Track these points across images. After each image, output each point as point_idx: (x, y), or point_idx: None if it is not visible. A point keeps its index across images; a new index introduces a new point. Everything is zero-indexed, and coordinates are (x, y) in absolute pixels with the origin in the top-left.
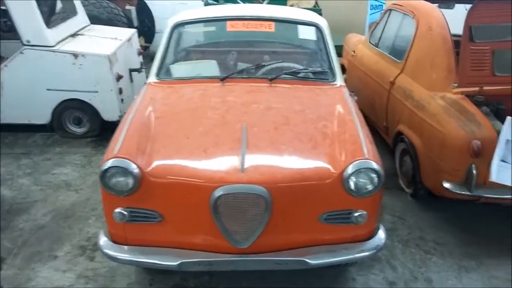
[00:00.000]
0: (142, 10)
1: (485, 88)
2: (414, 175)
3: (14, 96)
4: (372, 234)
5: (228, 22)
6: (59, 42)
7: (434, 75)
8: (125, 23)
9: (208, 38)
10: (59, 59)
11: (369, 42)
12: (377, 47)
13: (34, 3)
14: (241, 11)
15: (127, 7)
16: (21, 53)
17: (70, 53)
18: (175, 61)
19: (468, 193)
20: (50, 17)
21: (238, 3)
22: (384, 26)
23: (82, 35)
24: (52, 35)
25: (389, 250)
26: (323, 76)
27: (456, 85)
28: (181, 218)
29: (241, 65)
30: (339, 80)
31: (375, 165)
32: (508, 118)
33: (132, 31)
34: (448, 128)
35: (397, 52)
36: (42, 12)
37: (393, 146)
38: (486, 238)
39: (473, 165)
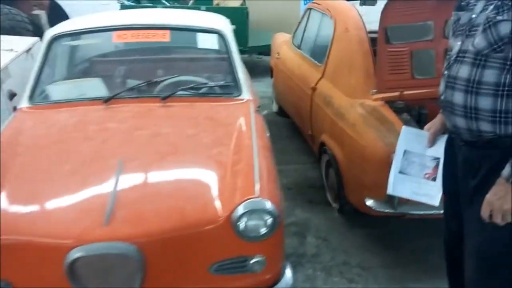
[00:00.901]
0: (56, 14)
1: (405, 92)
2: (339, 189)
3: None
4: (277, 279)
5: (115, 33)
6: None
7: (352, 80)
8: (30, 31)
9: (94, 51)
10: None
11: (292, 43)
12: (299, 48)
13: None
14: (132, 18)
15: (35, 11)
16: None
17: None
18: (53, 81)
19: (391, 210)
20: None
21: (163, 4)
22: (305, 26)
23: None
24: None
25: (310, 282)
26: (226, 91)
27: (375, 91)
28: (34, 286)
29: (131, 82)
30: (246, 94)
31: (268, 205)
32: (403, 127)
33: (34, 40)
34: (367, 139)
35: (318, 55)
36: None
37: (318, 157)
38: (412, 257)
39: None
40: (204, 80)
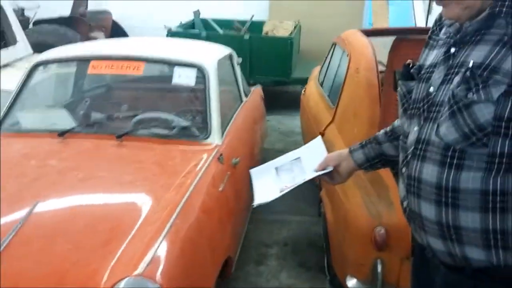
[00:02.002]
0: (117, 37)
1: None
2: (327, 257)
3: None
4: None
5: (90, 63)
6: None
7: (355, 129)
8: None
9: (70, 80)
10: None
11: (318, 79)
12: (321, 86)
13: None
14: (111, 48)
15: (94, 33)
16: None
17: None
18: (25, 109)
19: None
20: None
21: (216, 31)
22: (329, 63)
23: (13, 66)
24: None
25: None
26: (192, 132)
27: None
28: None
29: (95, 116)
30: (216, 138)
31: (150, 286)
32: (319, 137)
33: None
34: (352, 204)
35: (333, 96)
36: None
37: (318, 214)
38: None
39: (379, 260)
40: (170, 118)
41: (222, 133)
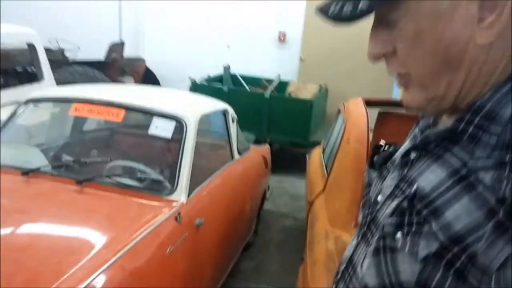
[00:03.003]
0: (148, 82)
1: None
2: None
3: None
4: None
5: (74, 105)
6: None
7: (337, 204)
8: None
9: (56, 120)
10: None
11: (322, 145)
12: (323, 152)
13: None
14: (98, 93)
15: (124, 78)
16: None
17: None
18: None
19: None
20: None
21: (240, 87)
22: (333, 129)
23: None
24: None
25: None
26: (155, 186)
27: (354, 223)
28: None
29: (65, 158)
30: (182, 196)
31: None
32: None
33: None
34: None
35: (329, 164)
36: None
37: None
38: None
39: None
40: (138, 168)
41: (191, 191)
